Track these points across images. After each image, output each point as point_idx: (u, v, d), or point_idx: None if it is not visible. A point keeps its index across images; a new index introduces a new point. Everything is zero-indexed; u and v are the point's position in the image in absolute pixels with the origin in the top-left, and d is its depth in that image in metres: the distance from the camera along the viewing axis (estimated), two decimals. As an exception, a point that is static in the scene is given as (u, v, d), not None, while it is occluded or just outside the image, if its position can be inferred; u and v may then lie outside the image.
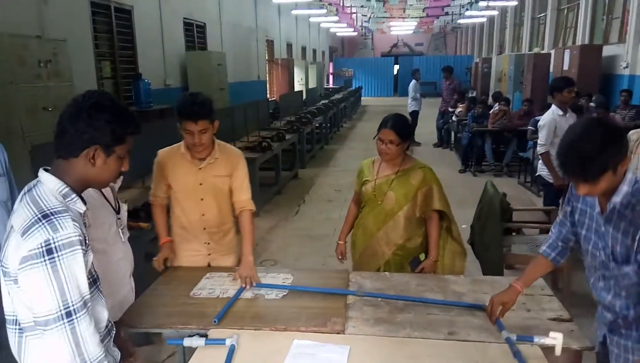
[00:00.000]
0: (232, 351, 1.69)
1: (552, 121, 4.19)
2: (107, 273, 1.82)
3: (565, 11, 14.31)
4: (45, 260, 1.18)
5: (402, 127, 2.47)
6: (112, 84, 7.37)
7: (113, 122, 1.33)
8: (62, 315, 1.19)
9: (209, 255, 2.48)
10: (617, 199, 1.50)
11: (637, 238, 1.47)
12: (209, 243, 2.45)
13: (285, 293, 2.14)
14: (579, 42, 12.21)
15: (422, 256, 2.62)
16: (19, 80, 4.59)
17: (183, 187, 2.38)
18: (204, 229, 2.42)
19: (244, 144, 6.38)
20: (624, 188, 1.50)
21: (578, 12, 12.75)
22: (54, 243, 1.19)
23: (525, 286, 1.88)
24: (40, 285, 1.18)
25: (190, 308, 2.01)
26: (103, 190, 1.98)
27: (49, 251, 1.18)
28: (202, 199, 2.38)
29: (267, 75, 15.52)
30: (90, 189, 1.52)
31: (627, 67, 9.79)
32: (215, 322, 1.86)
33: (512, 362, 1.61)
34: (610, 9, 11.59)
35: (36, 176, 2.84)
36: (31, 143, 4.36)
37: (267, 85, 15.47)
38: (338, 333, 1.82)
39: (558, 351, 1.64)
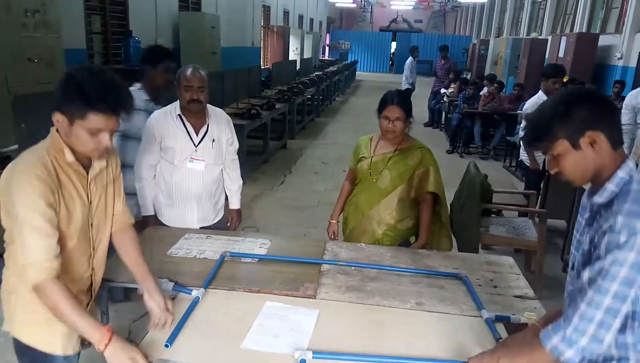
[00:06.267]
0: (195, 303, 1.75)
1: (535, 105, 4.22)
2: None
3: (566, -3, 14.20)
4: None
5: (406, 103, 2.43)
6: (101, 40, 7.22)
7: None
8: None
9: None
10: (599, 199, 1.24)
11: (595, 242, 1.20)
12: None
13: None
14: (576, 29, 12.18)
15: (412, 239, 2.60)
16: (4, 29, 4.47)
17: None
18: None
19: (233, 111, 6.33)
20: (609, 187, 1.22)
21: (578, -1, 12.66)
22: None
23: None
24: None
25: (166, 266, 2.04)
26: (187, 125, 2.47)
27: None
28: None
29: (262, 42, 15.28)
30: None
31: (621, 58, 9.82)
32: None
33: (473, 333, 1.68)
34: (611, -2, 11.53)
35: (19, 126, 2.80)
36: (15, 93, 4.29)
37: (261, 52, 15.24)
38: (310, 297, 1.87)
39: None
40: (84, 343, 1.59)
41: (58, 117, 1.39)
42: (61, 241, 1.44)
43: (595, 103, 1.23)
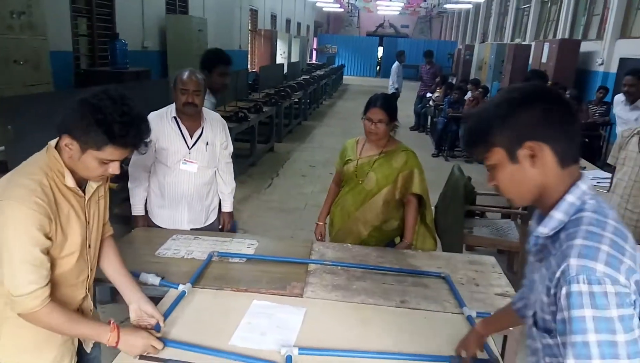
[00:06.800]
0: (180, 297, 1.79)
1: None
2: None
3: (549, 4, 14.48)
4: None
5: (390, 106, 2.48)
6: (87, 42, 7.19)
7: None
8: None
9: None
10: (543, 230, 1.02)
11: (552, 293, 0.95)
12: None
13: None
14: (559, 35, 12.42)
15: (397, 240, 2.64)
16: (-11, 30, 4.46)
17: None
18: None
19: (221, 113, 6.29)
20: (556, 215, 0.99)
21: (561, 6, 12.92)
22: None
23: (489, 332, 1.55)
24: None
25: (154, 266, 2.05)
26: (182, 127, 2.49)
27: None
28: None
29: (249, 45, 15.30)
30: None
31: (602, 64, 10.04)
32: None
33: (455, 330, 1.72)
34: (592, 5, 11.79)
35: (6, 128, 2.79)
36: (1, 95, 4.26)
37: (249, 56, 15.26)
38: (296, 296, 1.90)
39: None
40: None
41: (67, 142, 1.32)
42: (55, 267, 1.39)
43: (546, 106, 0.99)
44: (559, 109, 1.00)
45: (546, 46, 11.06)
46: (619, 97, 4.37)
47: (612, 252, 0.89)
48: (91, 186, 1.48)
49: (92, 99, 1.29)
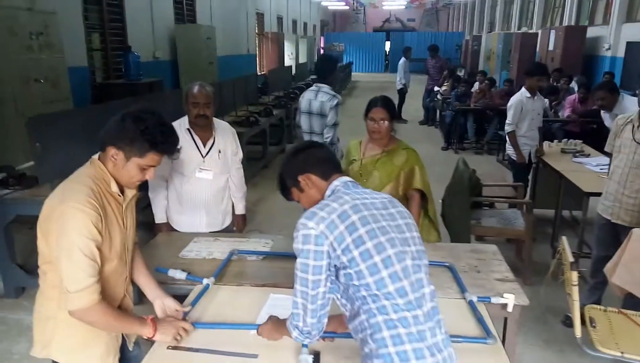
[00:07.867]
0: (205, 289, 1.98)
1: (519, 102, 4.45)
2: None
3: (555, -9, 14.39)
4: None
5: (391, 106, 2.65)
6: (101, 56, 7.43)
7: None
8: None
9: None
10: None
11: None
12: None
13: (264, 256, 2.38)
14: (565, 22, 12.37)
15: None
16: (10, 51, 4.69)
17: None
18: None
19: (232, 119, 6.53)
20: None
21: (566, -8, 12.85)
22: None
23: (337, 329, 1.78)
24: None
25: (179, 266, 2.21)
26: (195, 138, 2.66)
27: None
28: None
29: (257, 49, 15.49)
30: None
31: (609, 49, 10.01)
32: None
33: (458, 313, 1.87)
34: (597, -10, 11.72)
35: (34, 145, 3.03)
36: (23, 113, 4.49)
37: (257, 59, 15.46)
38: (310, 289, 2.06)
39: (510, 308, 1.92)
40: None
41: (113, 153, 1.51)
42: (103, 267, 1.51)
43: (306, 153, 1.57)
44: (315, 152, 1.59)
45: (552, 33, 11.05)
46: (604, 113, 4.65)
47: (323, 214, 1.36)
48: (127, 195, 1.64)
49: (135, 113, 1.51)
